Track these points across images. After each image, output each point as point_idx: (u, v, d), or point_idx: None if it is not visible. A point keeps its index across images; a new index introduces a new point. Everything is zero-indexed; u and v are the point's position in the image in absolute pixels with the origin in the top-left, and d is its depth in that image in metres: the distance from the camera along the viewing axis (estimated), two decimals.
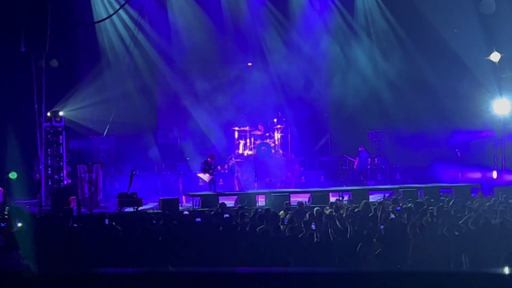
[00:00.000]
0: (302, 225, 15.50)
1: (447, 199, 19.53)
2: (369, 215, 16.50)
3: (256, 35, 28.80)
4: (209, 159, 24.61)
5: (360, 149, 27.96)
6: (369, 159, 27.95)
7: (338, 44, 29.11)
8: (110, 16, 26.50)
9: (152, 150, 27.35)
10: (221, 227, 16.20)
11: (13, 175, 18.03)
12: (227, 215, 17.65)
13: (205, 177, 24.38)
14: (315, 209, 17.69)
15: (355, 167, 27.83)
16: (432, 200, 19.25)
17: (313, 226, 15.67)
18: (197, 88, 28.70)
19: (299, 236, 15.09)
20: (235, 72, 28.37)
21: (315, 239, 14.66)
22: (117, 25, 27.62)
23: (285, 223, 16.42)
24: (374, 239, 14.48)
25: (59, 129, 24.06)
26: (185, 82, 28.88)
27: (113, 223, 17.03)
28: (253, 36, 28.78)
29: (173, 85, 28.84)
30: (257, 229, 15.60)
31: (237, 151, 27.18)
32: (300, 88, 29.02)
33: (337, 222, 15.48)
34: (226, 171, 26.28)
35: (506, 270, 3.60)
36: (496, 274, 3.65)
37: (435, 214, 16.21)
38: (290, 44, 29.13)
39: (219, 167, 24.85)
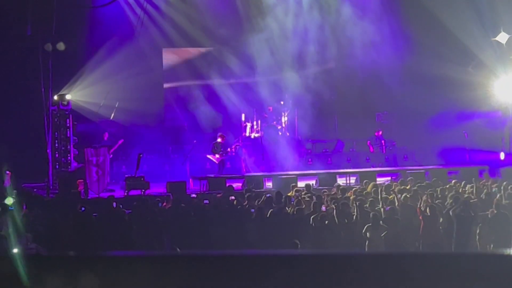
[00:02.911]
0: (312, 208, 15.52)
1: (454, 181, 19.48)
2: (376, 197, 16.50)
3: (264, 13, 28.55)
4: (219, 139, 24.60)
5: (379, 133, 27.63)
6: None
7: (344, 26, 28.92)
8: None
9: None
10: (229, 210, 16.24)
11: (8, 200, 18.00)
12: (232, 198, 17.68)
13: (214, 158, 24.37)
14: (322, 190, 17.72)
15: (372, 150, 27.59)
16: (439, 182, 19.23)
17: (323, 208, 15.70)
18: (205, 70, 28.60)
19: (307, 218, 15.12)
20: (243, 52, 28.22)
21: (326, 222, 14.68)
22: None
23: (292, 202, 16.45)
24: (380, 221, 14.50)
25: (66, 112, 24.07)
26: (192, 63, 28.79)
27: (120, 206, 17.10)
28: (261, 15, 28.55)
29: (180, 66, 28.74)
30: (264, 212, 15.63)
31: (244, 133, 27.13)
32: (307, 70, 28.89)
33: (344, 204, 15.48)
34: (233, 153, 26.26)
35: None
36: (505, 256, 3.65)
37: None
38: (296, 25, 28.97)
39: (228, 149, 24.86)
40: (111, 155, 24.05)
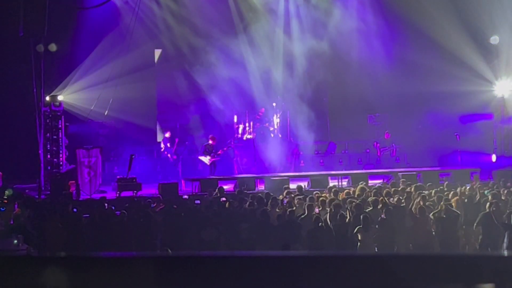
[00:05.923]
0: (305, 209, 15.51)
1: (446, 183, 19.48)
2: (368, 199, 16.51)
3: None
4: (210, 141, 24.58)
5: (388, 136, 27.32)
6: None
7: (338, 28, 28.94)
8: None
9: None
10: (220, 212, 16.22)
11: (9, 191, 18.07)
12: (223, 199, 17.66)
13: (206, 159, 24.36)
14: (314, 192, 17.71)
15: (379, 153, 27.45)
16: (431, 184, 19.24)
17: (316, 210, 15.70)
18: (196, 71, 28.55)
19: (298, 220, 15.13)
20: (235, 52, 28.18)
21: (320, 224, 14.68)
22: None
23: (284, 204, 16.45)
24: (372, 223, 14.52)
25: (58, 113, 24.01)
26: (184, 64, 28.76)
27: (112, 207, 17.07)
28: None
29: (172, 67, 28.70)
30: (256, 213, 15.62)
31: (236, 135, 27.12)
32: (300, 72, 28.90)
33: (336, 207, 15.48)
34: (225, 155, 26.22)
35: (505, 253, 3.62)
36: (495, 257, 3.66)
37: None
38: (290, 28, 28.99)
39: (220, 151, 24.83)
40: (175, 156, 25.60)
